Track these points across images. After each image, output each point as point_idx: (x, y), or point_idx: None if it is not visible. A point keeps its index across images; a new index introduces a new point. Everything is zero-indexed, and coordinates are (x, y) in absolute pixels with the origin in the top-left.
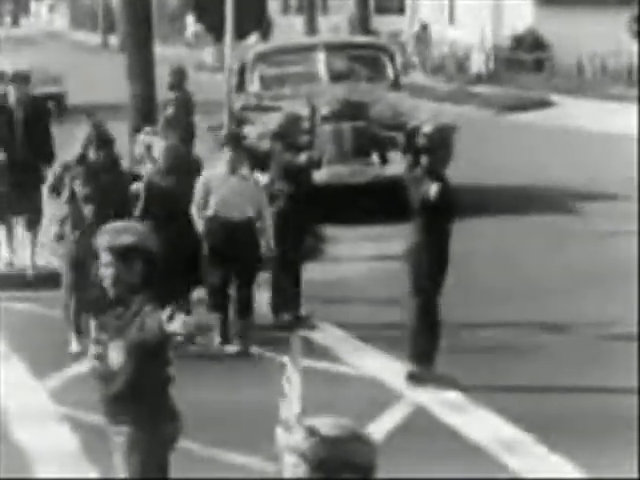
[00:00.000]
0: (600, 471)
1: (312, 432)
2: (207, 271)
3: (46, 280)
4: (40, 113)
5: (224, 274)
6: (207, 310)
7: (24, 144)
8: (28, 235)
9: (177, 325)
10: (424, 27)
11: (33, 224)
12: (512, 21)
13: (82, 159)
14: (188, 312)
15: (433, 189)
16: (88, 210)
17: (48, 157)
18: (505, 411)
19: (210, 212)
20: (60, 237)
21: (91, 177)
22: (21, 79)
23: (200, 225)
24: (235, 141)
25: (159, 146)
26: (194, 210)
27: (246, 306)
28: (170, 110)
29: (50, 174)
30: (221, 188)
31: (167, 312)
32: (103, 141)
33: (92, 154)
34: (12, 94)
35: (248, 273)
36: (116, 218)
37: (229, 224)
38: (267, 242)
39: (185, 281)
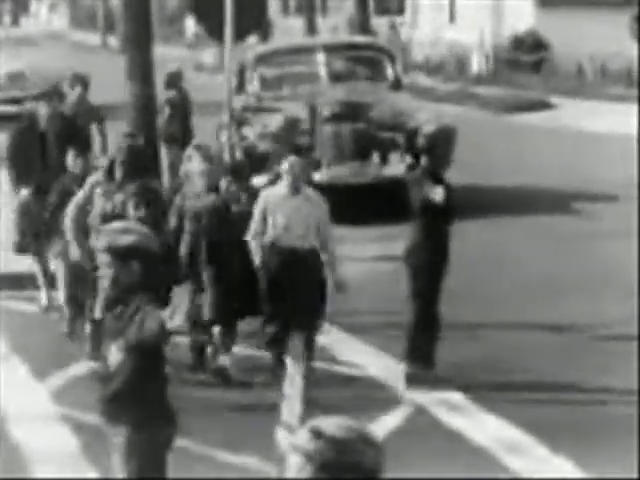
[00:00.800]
0: (600, 471)
1: (318, 433)
2: (264, 307)
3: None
4: (77, 132)
5: (284, 311)
6: (265, 348)
7: (57, 170)
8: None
9: (178, 321)
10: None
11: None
12: (512, 22)
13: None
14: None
15: (439, 194)
16: None
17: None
18: (505, 412)
19: (268, 239)
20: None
21: (143, 198)
22: (53, 95)
23: (258, 254)
24: (298, 153)
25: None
26: (251, 236)
27: (309, 349)
28: (167, 111)
29: (81, 196)
30: (281, 211)
31: (168, 310)
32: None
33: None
34: (42, 112)
35: (311, 311)
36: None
37: (290, 254)
38: (333, 276)
39: (228, 304)
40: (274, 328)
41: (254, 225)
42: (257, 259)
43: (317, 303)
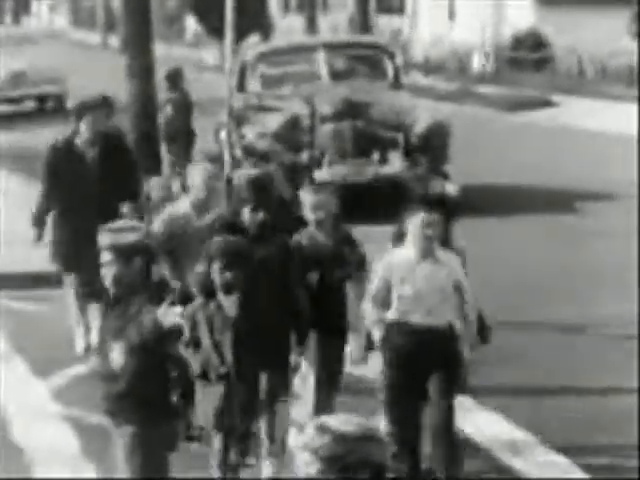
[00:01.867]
0: (600, 471)
1: (324, 429)
2: (389, 395)
3: (47, 279)
4: (119, 153)
5: (415, 399)
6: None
7: (97, 196)
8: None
9: (172, 317)
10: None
11: (91, 295)
12: (513, 21)
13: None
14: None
15: (453, 188)
16: (230, 305)
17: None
18: (508, 412)
19: (393, 315)
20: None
21: (238, 255)
22: (91, 108)
23: (378, 331)
24: (439, 207)
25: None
26: (368, 307)
27: (446, 430)
28: (168, 111)
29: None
30: (409, 280)
31: (163, 306)
32: (263, 199)
33: (246, 217)
34: (82, 130)
35: (448, 393)
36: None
37: (421, 334)
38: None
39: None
40: (404, 419)
41: (375, 293)
42: (377, 335)
43: (452, 386)
